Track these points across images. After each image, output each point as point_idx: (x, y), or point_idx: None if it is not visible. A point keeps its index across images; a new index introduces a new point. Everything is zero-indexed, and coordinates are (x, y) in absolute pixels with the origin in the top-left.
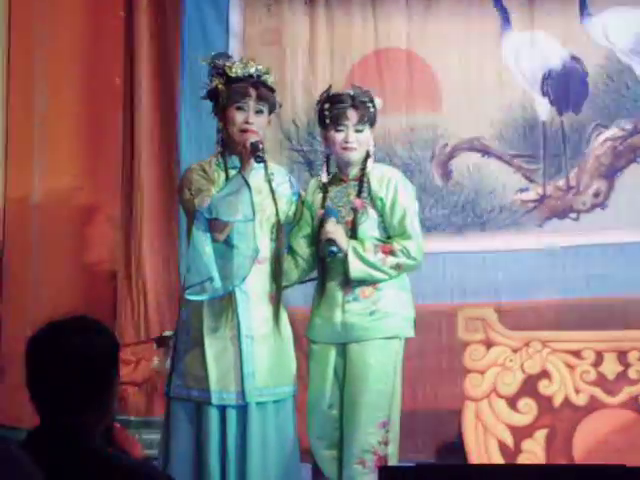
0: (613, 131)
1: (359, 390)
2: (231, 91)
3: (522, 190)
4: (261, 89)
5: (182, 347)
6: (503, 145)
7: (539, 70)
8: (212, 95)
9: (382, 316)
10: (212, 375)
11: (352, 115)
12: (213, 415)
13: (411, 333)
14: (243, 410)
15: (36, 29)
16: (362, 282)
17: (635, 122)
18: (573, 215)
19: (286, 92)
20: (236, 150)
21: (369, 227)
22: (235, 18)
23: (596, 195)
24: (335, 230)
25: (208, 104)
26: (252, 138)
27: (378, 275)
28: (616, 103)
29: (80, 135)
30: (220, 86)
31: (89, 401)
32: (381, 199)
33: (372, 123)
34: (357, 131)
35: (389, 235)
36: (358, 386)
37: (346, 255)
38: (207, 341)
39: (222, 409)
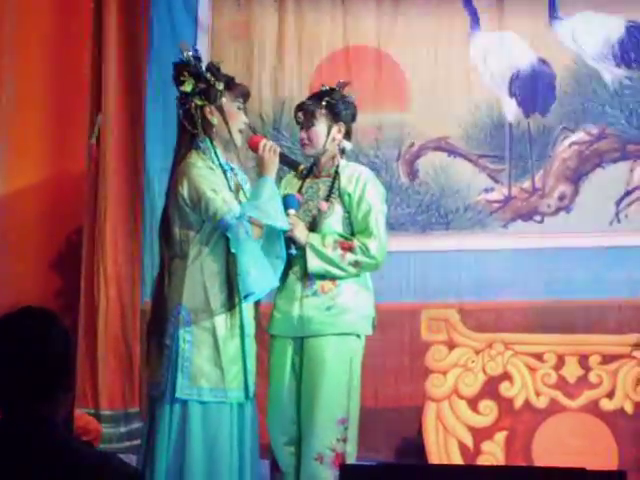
0: (579, 135)
1: (315, 385)
2: (237, 91)
3: (487, 190)
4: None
5: (187, 349)
6: (469, 145)
7: (507, 71)
8: (200, 85)
9: (339, 312)
10: (228, 374)
11: (304, 113)
12: (228, 413)
13: (369, 331)
14: (242, 408)
15: (3, 21)
16: (322, 277)
17: (601, 127)
18: (537, 217)
19: (253, 86)
20: (224, 145)
21: (333, 221)
22: (204, 10)
23: (561, 198)
24: (294, 223)
25: (173, 92)
26: (273, 145)
27: (336, 271)
28: (583, 107)
29: (46, 129)
30: (216, 83)
31: (45, 390)
32: (349, 194)
33: (335, 118)
34: (308, 127)
35: (353, 232)
36: (314, 381)
37: (304, 249)
38: (221, 341)
39: (231, 407)
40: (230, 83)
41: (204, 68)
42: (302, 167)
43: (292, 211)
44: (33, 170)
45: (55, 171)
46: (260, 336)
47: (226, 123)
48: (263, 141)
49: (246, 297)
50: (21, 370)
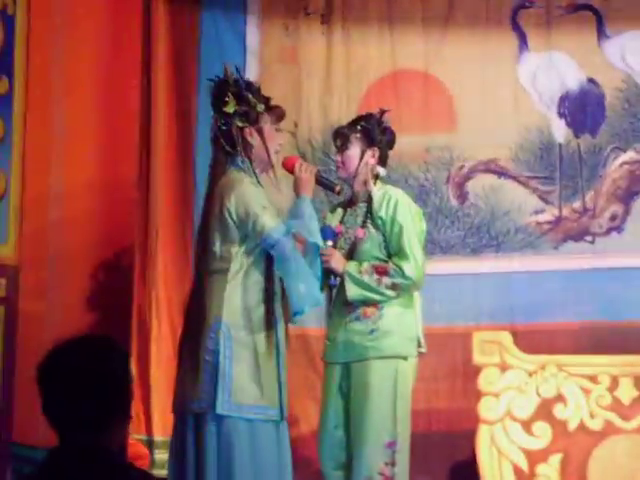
0: (630, 155)
1: (362, 410)
2: (275, 113)
3: (538, 212)
4: None
5: (227, 364)
6: (519, 167)
7: (556, 92)
8: (242, 106)
9: (381, 335)
10: (267, 392)
11: (340, 136)
12: (272, 431)
13: (414, 353)
14: (278, 427)
15: (55, 44)
16: (364, 302)
17: None
18: (589, 238)
19: (302, 111)
20: (262, 167)
21: (371, 247)
22: (252, 36)
23: (612, 218)
24: (330, 254)
25: None
26: (309, 165)
27: (374, 296)
28: (633, 127)
29: (96, 150)
30: (257, 105)
31: (105, 417)
32: (381, 218)
33: (369, 143)
34: (342, 151)
35: (389, 254)
36: (360, 406)
37: (343, 278)
38: (261, 358)
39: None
40: (268, 104)
41: (245, 89)
42: (339, 188)
43: (329, 242)
44: (86, 190)
45: (106, 189)
46: (312, 362)
47: (265, 145)
48: (299, 161)
49: (296, 314)
50: (79, 398)
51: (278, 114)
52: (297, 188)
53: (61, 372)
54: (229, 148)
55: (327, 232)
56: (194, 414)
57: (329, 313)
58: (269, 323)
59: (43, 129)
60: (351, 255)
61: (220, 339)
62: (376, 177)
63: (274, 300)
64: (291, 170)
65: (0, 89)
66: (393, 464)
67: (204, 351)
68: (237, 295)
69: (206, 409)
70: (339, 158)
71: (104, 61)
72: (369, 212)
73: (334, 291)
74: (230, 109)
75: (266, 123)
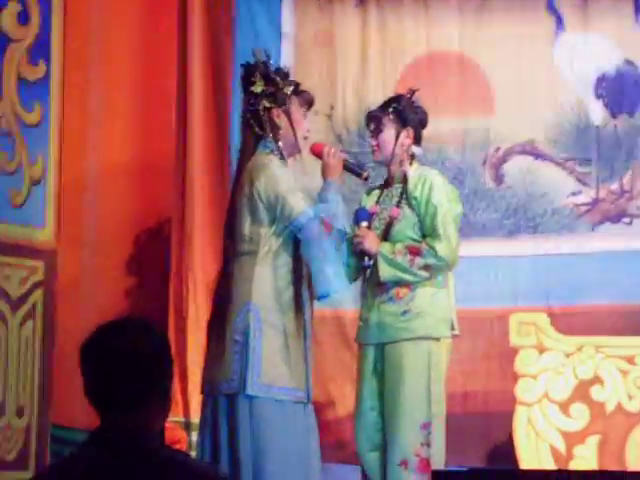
0: None
1: (395, 391)
2: (303, 97)
3: (574, 194)
4: None
5: (257, 345)
6: (556, 148)
7: (593, 73)
8: (269, 87)
9: (414, 316)
10: (295, 373)
11: (373, 120)
12: (302, 412)
13: (446, 333)
14: (306, 409)
15: (92, 28)
16: (397, 283)
17: None
18: (626, 219)
19: (337, 94)
20: (290, 150)
21: (405, 227)
22: (287, 19)
23: None
24: (364, 235)
25: None
26: (337, 151)
27: (407, 277)
28: None
29: (132, 135)
30: (285, 87)
31: (146, 398)
32: (415, 198)
33: (403, 124)
34: (376, 134)
35: (424, 235)
36: (394, 387)
37: (376, 259)
38: (290, 340)
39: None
40: (297, 89)
41: (273, 72)
42: (366, 174)
43: (364, 224)
44: (122, 173)
45: (143, 172)
46: (348, 343)
47: (292, 127)
48: (327, 147)
49: (320, 298)
50: (120, 379)
51: (307, 99)
52: (325, 173)
53: (103, 352)
54: (258, 129)
55: (362, 214)
56: (225, 395)
57: (363, 294)
58: (298, 305)
59: (80, 112)
60: (386, 235)
61: (250, 320)
62: (412, 157)
63: (302, 282)
64: (319, 155)
65: (37, 73)
66: (429, 445)
67: (234, 332)
68: (267, 277)
69: (237, 390)
70: (374, 142)
71: (140, 44)
72: (404, 192)
73: (368, 272)
74: (257, 89)
75: (294, 106)
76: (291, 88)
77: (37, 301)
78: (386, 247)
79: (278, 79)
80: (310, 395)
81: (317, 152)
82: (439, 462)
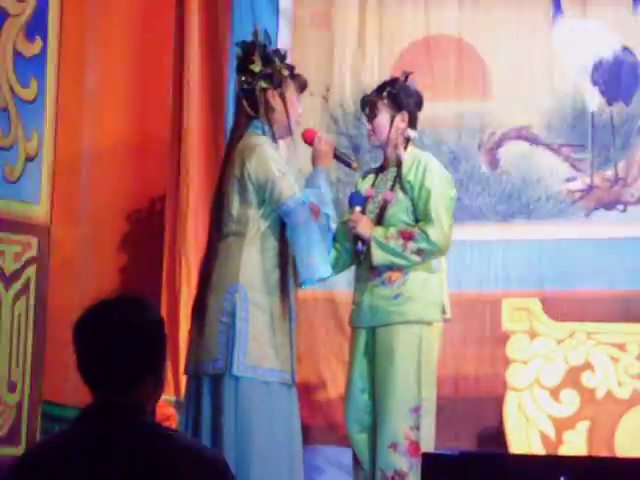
0: None
1: (386, 375)
2: (298, 81)
3: (569, 180)
4: None
5: (243, 327)
6: (551, 134)
7: (590, 59)
8: (267, 68)
9: (405, 300)
10: (281, 355)
11: (368, 104)
12: (286, 394)
13: (437, 318)
14: (290, 391)
15: (89, 5)
16: (389, 267)
17: None
18: (620, 207)
19: (334, 76)
20: (282, 133)
21: (399, 211)
22: (285, 0)
23: None
24: (358, 219)
25: None
26: (328, 139)
27: (400, 261)
28: None
29: (128, 113)
30: (282, 69)
31: (139, 376)
32: (409, 182)
33: (398, 107)
34: (372, 118)
35: (417, 219)
36: (385, 370)
37: (369, 244)
38: (276, 322)
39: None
40: (293, 72)
41: (272, 53)
42: (355, 164)
43: (357, 208)
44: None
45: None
46: (341, 326)
47: (286, 110)
48: (318, 134)
49: (303, 284)
50: (113, 356)
51: (302, 83)
52: (315, 160)
53: (97, 330)
54: (251, 110)
55: (355, 198)
56: (210, 375)
57: (356, 278)
58: (284, 288)
59: (76, 89)
60: (380, 219)
61: (237, 301)
62: (407, 141)
63: (288, 265)
64: (310, 142)
65: (34, 49)
66: (418, 428)
67: (220, 313)
68: (254, 259)
69: (222, 370)
70: (370, 126)
71: (137, 21)
72: (398, 176)
73: (362, 256)
74: (256, 68)
75: (289, 89)
76: (287, 72)
77: (31, 277)
78: (379, 231)
79: (277, 60)
80: (294, 378)
81: (309, 138)
82: (429, 445)
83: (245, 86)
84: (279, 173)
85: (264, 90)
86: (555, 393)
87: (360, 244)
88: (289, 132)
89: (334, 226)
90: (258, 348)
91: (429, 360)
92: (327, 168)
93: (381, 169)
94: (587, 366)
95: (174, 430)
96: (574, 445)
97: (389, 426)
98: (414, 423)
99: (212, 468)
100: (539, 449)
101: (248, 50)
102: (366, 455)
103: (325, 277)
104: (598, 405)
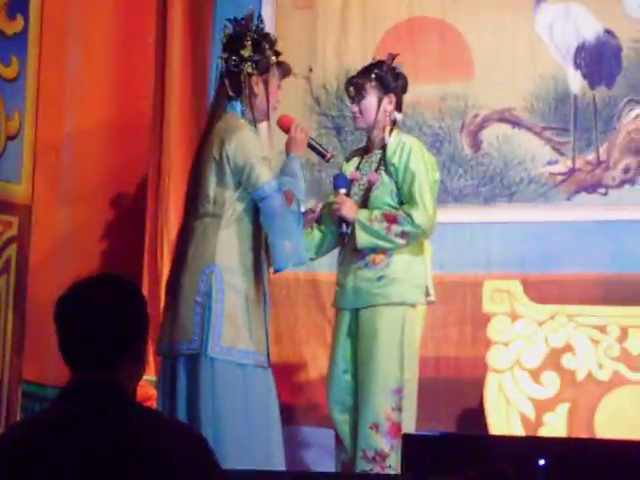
0: None
1: (369, 356)
2: (283, 69)
3: (551, 163)
4: None
5: (219, 308)
6: (534, 117)
7: (572, 42)
8: (256, 54)
9: (389, 282)
10: (255, 337)
11: (354, 86)
12: (262, 375)
13: (421, 300)
14: (266, 373)
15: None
16: (373, 249)
17: None
18: (602, 190)
19: (317, 56)
20: (259, 118)
21: (383, 193)
22: None
23: (626, 171)
24: (342, 202)
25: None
26: (304, 127)
27: (384, 244)
28: None
29: (110, 92)
30: (271, 56)
31: (118, 355)
32: (394, 165)
33: (385, 90)
34: (359, 100)
35: (401, 202)
36: (368, 352)
37: (354, 226)
38: (250, 304)
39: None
40: (278, 59)
41: (263, 38)
42: (329, 155)
43: (342, 190)
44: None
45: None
46: (322, 307)
47: (267, 97)
48: (295, 122)
49: (277, 270)
50: (90, 333)
51: (285, 70)
52: (290, 147)
53: (77, 308)
54: (232, 92)
55: (340, 180)
56: (185, 356)
57: (340, 260)
58: (258, 270)
59: (57, 68)
60: (365, 202)
61: (212, 282)
62: (393, 123)
63: (262, 248)
64: (286, 129)
65: (15, 28)
66: (400, 410)
67: (196, 293)
68: (231, 240)
69: (198, 351)
70: (356, 108)
71: (120, 1)
72: (383, 159)
73: (346, 239)
74: (246, 53)
75: (273, 77)
76: (275, 59)
77: (11, 256)
78: (363, 214)
79: (266, 47)
80: (269, 359)
81: (285, 125)
82: (410, 427)
83: (231, 67)
84: (257, 157)
85: (249, 75)
86: (536, 375)
87: (344, 226)
88: (266, 117)
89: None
90: (233, 330)
91: (411, 342)
92: (300, 156)
93: (366, 151)
94: (568, 348)
95: (154, 409)
96: (554, 427)
97: (371, 407)
98: (396, 404)
99: (195, 446)
100: (519, 431)
101: (240, 32)
102: (347, 435)
103: (300, 263)
104: (578, 387)
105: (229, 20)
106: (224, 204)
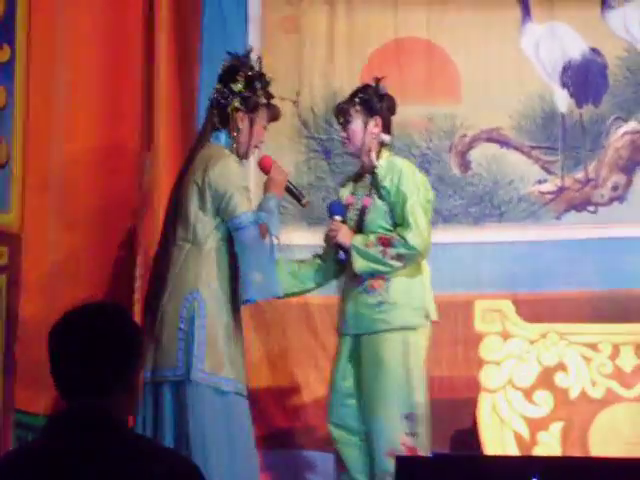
0: (632, 125)
1: (375, 382)
2: (272, 112)
3: (540, 182)
4: None
5: (202, 334)
6: (522, 136)
7: (559, 61)
8: (247, 91)
9: (389, 308)
10: (234, 366)
11: (341, 112)
12: (243, 404)
13: (422, 322)
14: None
15: (57, 12)
16: (372, 274)
17: None
18: (591, 208)
19: (304, 80)
20: (240, 153)
21: (377, 217)
22: (254, 4)
23: (614, 188)
24: (337, 228)
25: None
26: (284, 169)
27: (381, 268)
28: (636, 96)
29: (98, 118)
30: (262, 97)
31: (111, 383)
32: (385, 187)
33: (370, 113)
34: (345, 126)
35: (396, 224)
36: (373, 378)
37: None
38: (232, 331)
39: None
40: (269, 101)
41: (257, 78)
42: (305, 201)
43: (337, 217)
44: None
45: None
46: (314, 331)
47: (250, 135)
48: (275, 163)
49: (246, 302)
50: (82, 361)
51: (274, 114)
52: (269, 187)
53: (71, 335)
54: (218, 123)
55: (335, 207)
56: (171, 382)
57: (341, 286)
58: (236, 300)
59: (45, 97)
60: (360, 226)
61: (195, 309)
62: (381, 145)
63: (239, 279)
64: (266, 169)
65: (2, 57)
66: (414, 434)
67: (178, 319)
68: (212, 268)
69: (184, 377)
70: (344, 134)
71: (106, 29)
72: (374, 182)
73: (347, 265)
74: (236, 87)
75: (261, 117)
76: (265, 100)
77: (1, 286)
78: (358, 239)
79: (258, 87)
80: (246, 389)
81: (266, 165)
82: (426, 450)
83: (220, 99)
84: (238, 187)
85: (236, 110)
86: (529, 394)
87: (342, 253)
88: (246, 155)
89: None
90: (215, 356)
91: (417, 365)
92: (278, 196)
93: (359, 175)
94: (560, 366)
95: (147, 437)
96: (548, 446)
97: (384, 434)
98: (409, 429)
99: (189, 473)
100: (513, 450)
101: (235, 66)
102: (351, 458)
103: (271, 296)
104: (572, 405)
105: (229, 53)
106: (204, 230)
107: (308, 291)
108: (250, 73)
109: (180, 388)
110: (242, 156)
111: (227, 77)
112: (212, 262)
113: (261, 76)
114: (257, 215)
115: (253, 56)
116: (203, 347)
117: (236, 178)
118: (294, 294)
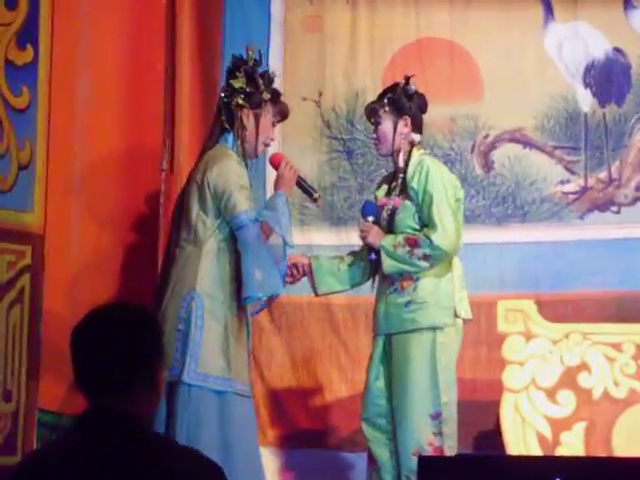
0: None
1: (403, 382)
2: (279, 108)
3: (563, 182)
4: None
5: (198, 335)
6: (544, 136)
7: (582, 61)
8: (249, 87)
9: (417, 307)
10: (233, 365)
11: (371, 114)
12: (245, 406)
13: (449, 322)
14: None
15: (81, 12)
16: (400, 274)
17: None
18: (614, 208)
19: (326, 80)
20: (249, 153)
21: (406, 217)
22: (277, 5)
23: (638, 188)
24: (368, 229)
25: None
26: (294, 166)
27: (409, 268)
28: None
29: (121, 118)
30: (265, 92)
31: (137, 383)
32: (413, 188)
33: (400, 113)
34: (376, 127)
35: (424, 224)
36: (401, 377)
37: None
38: (230, 332)
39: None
40: (276, 98)
41: (258, 74)
42: (316, 195)
43: (370, 218)
44: (111, 159)
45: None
46: (336, 331)
47: (257, 132)
48: (285, 160)
49: (246, 299)
50: (104, 360)
51: (282, 111)
52: (278, 184)
53: (93, 335)
54: (226, 123)
55: (368, 208)
56: (167, 382)
57: (376, 286)
58: (239, 299)
59: (68, 97)
60: (390, 226)
61: (192, 309)
62: (412, 145)
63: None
64: (276, 166)
65: (25, 58)
66: (441, 434)
67: (177, 320)
68: (212, 268)
69: (179, 377)
70: (374, 135)
71: (129, 29)
72: (403, 182)
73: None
74: (237, 84)
75: (267, 113)
76: (269, 95)
77: (25, 286)
78: (388, 240)
79: (260, 82)
80: (251, 390)
81: (275, 162)
82: (452, 450)
83: (224, 98)
84: (237, 186)
85: (240, 107)
86: (551, 394)
87: (373, 254)
88: (255, 153)
89: (289, 251)
90: (210, 356)
91: (445, 365)
92: (288, 193)
93: (393, 177)
94: (583, 366)
95: (170, 437)
96: (571, 446)
97: (410, 433)
98: (436, 429)
99: (214, 473)
100: (536, 450)
101: (235, 65)
102: (381, 456)
103: (272, 294)
104: (595, 405)
105: (232, 55)
106: (205, 231)
107: (345, 291)
108: (250, 68)
109: (174, 388)
110: (250, 154)
111: (228, 76)
112: (213, 262)
113: (264, 73)
114: (258, 213)
115: (252, 52)
116: (198, 348)
117: (235, 177)
118: (333, 293)
